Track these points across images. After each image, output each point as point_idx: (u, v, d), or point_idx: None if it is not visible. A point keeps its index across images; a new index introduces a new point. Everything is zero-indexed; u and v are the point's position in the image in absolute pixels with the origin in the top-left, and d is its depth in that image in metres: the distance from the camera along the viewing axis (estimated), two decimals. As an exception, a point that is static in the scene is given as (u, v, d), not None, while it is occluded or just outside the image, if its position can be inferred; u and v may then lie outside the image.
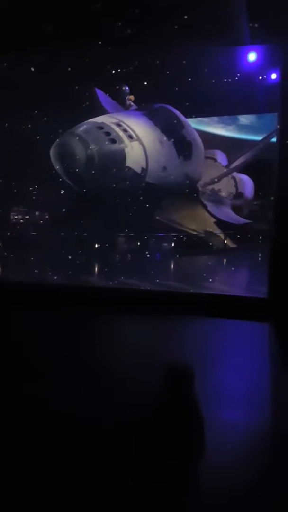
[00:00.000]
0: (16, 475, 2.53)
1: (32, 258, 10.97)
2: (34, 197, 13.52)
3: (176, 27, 6.44)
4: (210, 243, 12.38)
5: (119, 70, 10.70)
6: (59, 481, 2.48)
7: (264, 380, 4.46)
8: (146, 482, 2.33)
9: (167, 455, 2.32)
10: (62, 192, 12.42)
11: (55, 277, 8.91)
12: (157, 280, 8.43)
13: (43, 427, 3.02)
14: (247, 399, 3.85)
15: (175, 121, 12.43)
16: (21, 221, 14.32)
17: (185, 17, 6.37)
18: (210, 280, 8.69)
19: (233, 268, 11.18)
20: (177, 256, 11.76)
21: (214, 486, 2.47)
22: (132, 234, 12.35)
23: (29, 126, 12.34)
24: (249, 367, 4.65)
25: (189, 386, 2.46)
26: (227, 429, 3.19)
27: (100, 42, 7.41)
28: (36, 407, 3.31)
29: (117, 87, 12.75)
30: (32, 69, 9.95)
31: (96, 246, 11.96)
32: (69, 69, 9.82)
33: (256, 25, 6.26)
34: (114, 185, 10.86)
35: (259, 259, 9.81)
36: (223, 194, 14.45)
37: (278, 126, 6.65)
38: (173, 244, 12.31)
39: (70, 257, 11.02)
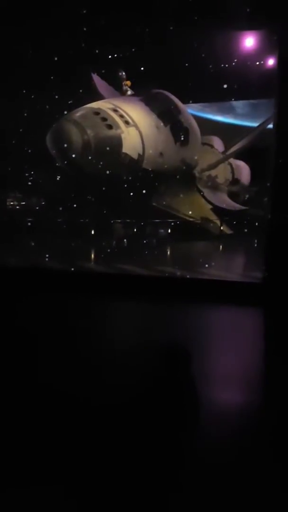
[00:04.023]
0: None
1: (28, 244, 10.99)
2: (30, 183, 13.47)
3: (174, 11, 6.41)
4: (207, 230, 12.43)
5: (116, 55, 10.60)
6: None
7: (257, 362, 4.58)
8: (141, 457, 2.43)
9: (162, 431, 2.42)
10: (58, 178, 12.37)
11: (52, 263, 8.96)
12: (154, 266, 8.50)
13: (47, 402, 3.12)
14: (239, 380, 3.97)
15: (172, 107, 12.33)
16: (17, 207, 14.29)
17: (184, 1, 6.34)
18: (206, 266, 8.78)
19: (229, 254, 11.27)
20: (174, 242, 11.83)
21: (208, 460, 2.59)
22: (128, 220, 12.37)
23: (26, 111, 12.25)
24: (243, 350, 4.77)
25: (185, 367, 2.56)
26: (221, 407, 3.31)
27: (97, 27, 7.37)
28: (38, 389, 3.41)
29: (114, 72, 12.62)
30: (31, 52, 9.84)
31: (93, 232, 11.98)
32: (67, 53, 9.73)
33: (254, 10, 6.24)
34: (110, 171, 10.82)
35: (255, 245, 9.90)
36: (219, 180, 14.42)
37: (275, 112, 6.66)
38: (169, 230, 12.35)
39: (66, 243, 11.05)
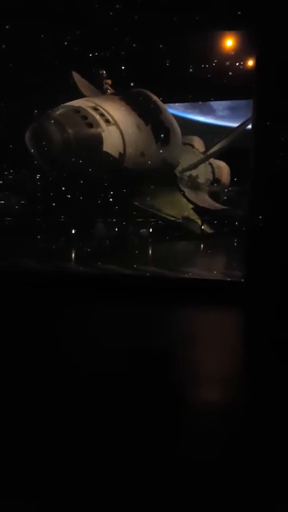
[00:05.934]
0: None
1: (8, 244, 10.81)
2: (8, 182, 13.27)
3: (154, 11, 6.41)
4: (188, 229, 12.49)
5: (96, 53, 10.53)
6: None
7: (237, 361, 4.62)
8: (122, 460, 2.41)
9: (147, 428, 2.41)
10: (37, 177, 12.23)
11: (32, 263, 8.84)
12: (136, 265, 8.49)
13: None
14: (220, 379, 3.98)
15: (153, 106, 12.35)
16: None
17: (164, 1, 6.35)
18: (187, 264, 8.81)
19: (209, 253, 11.35)
20: (155, 241, 11.84)
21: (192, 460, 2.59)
22: (109, 219, 12.33)
23: (3, 106, 12.03)
24: (223, 348, 4.80)
25: (167, 366, 2.56)
26: (203, 406, 3.32)
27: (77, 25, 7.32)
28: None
29: (94, 70, 12.55)
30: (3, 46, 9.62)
31: (73, 231, 11.88)
32: (46, 51, 9.61)
33: (234, 10, 6.29)
34: (91, 170, 10.75)
35: (235, 244, 9.99)
36: (200, 180, 14.53)
37: (253, 113, 6.73)
38: (151, 230, 12.36)
39: (46, 242, 10.93)
